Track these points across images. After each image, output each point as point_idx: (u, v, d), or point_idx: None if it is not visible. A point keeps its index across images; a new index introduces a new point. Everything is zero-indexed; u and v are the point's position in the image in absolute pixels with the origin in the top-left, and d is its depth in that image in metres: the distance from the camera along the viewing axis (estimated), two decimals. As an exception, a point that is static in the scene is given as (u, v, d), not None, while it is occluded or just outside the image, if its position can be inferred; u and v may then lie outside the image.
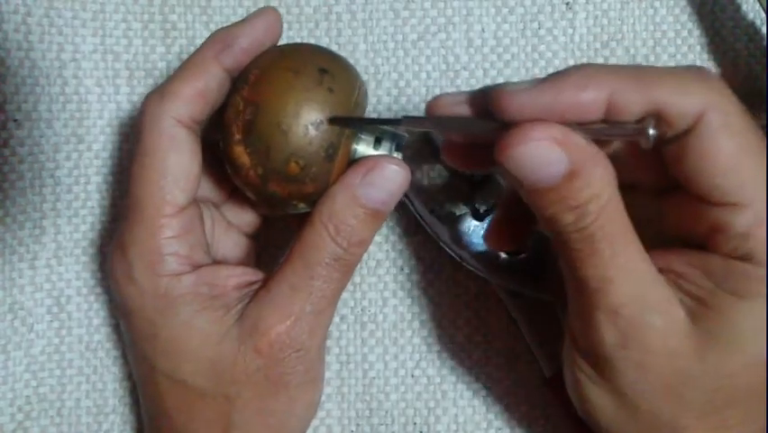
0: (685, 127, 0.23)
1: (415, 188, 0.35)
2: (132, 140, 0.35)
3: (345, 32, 0.36)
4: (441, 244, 0.34)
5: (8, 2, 0.34)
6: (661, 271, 0.24)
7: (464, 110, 0.26)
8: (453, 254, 0.34)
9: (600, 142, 0.24)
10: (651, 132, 0.22)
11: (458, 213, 0.34)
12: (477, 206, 0.34)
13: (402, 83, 0.36)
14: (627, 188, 0.24)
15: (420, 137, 0.35)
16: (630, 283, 0.23)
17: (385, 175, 0.28)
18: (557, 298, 0.34)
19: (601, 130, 0.23)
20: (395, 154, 0.29)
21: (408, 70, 0.36)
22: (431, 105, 0.26)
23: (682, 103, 0.23)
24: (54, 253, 0.35)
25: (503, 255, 0.34)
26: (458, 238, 0.34)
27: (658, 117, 0.23)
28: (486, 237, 0.31)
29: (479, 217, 0.34)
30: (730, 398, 0.24)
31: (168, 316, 0.28)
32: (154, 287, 0.28)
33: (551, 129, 0.23)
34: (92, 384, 0.35)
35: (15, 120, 0.34)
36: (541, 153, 0.23)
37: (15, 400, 0.34)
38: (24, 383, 0.34)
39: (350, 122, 0.28)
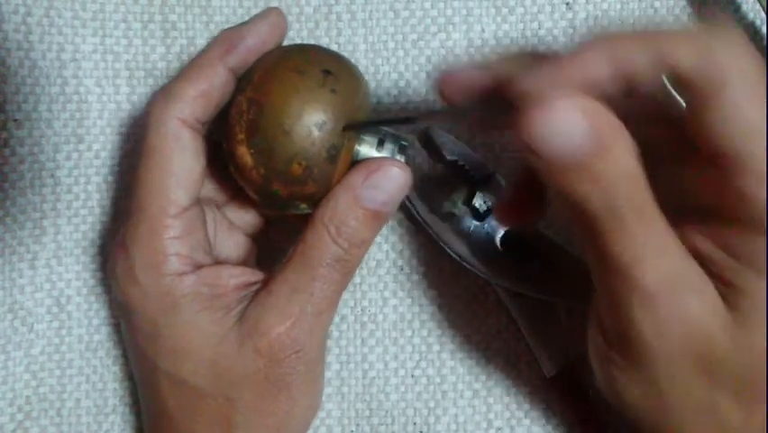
0: (707, 92, 0.22)
1: (415, 188, 0.35)
2: (131, 140, 0.35)
3: (345, 32, 0.36)
4: (441, 244, 0.34)
5: (8, 2, 0.34)
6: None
7: (476, 86, 0.25)
8: (453, 254, 0.34)
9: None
10: (676, 97, 0.21)
11: (458, 213, 0.34)
12: (477, 206, 0.34)
13: (402, 83, 0.36)
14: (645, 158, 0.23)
15: (420, 137, 0.35)
16: (665, 263, 0.22)
17: (387, 177, 0.28)
18: (558, 298, 0.34)
19: (626, 100, 0.22)
20: (397, 156, 0.29)
21: (408, 70, 0.36)
22: (445, 81, 0.25)
23: (707, 66, 0.21)
24: (54, 253, 0.35)
25: (503, 254, 0.34)
26: (458, 238, 0.34)
27: (677, 82, 0.22)
28: (497, 211, 0.29)
29: (479, 217, 0.34)
30: (763, 373, 0.23)
31: (169, 316, 0.28)
32: (156, 287, 0.28)
33: (579, 99, 0.21)
34: (92, 384, 0.35)
35: (15, 120, 0.34)
36: (568, 124, 0.21)
37: (15, 400, 0.34)
38: (24, 383, 0.34)
39: (365, 126, 0.28)
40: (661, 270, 0.22)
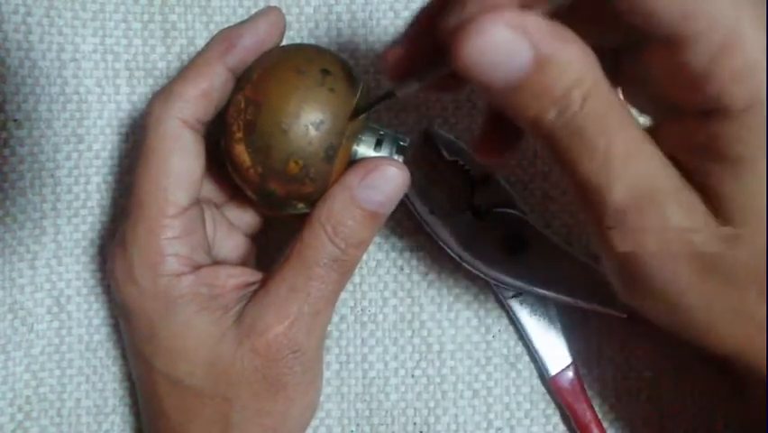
0: None
1: (415, 188, 0.35)
2: (131, 140, 0.35)
3: (345, 32, 0.36)
4: (441, 244, 0.34)
5: (8, 2, 0.34)
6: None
7: (412, 52, 0.24)
8: (453, 254, 0.34)
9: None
10: None
11: (458, 213, 0.34)
12: (477, 206, 0.34)
13: (402, 83, 0.36)
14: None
15: (420, 137, 0.35)
16: (635, 174, 0.20)
17: (384, 177, 0.28)
18: (558, 298, 0.34)
19: None
20: (395, 157, 0.29)
21: (408, 70, 0.36)
22: (386, 63, 0.25)
23: None
24: (54, 253, 0.35)
25: (503, 254, 0.34)
26: (458, 238, 0.34)
27: None
28: (475, 149, 0.28)
29: (479, 217, 0.34)
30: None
31: (167, 316, 0.28)
32: (155, 287, 0.28)
33: (503, 15, 0.19)
34: (92, 384, 0.35)
35: (15, 120, 0.34)
36: (499, 44, 0.19)
37: (15, 400, 0.34)
38: (24, 383, 0.34)
39: (363, 110, 0.27)
40: (630, 181, 0.20)
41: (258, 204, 0.32)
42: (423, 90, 0.26)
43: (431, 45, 0.23)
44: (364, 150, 0.29)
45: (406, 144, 0.29)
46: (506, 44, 0.20)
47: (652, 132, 0.22)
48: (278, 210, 0.30)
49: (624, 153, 0.20)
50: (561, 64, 0.20)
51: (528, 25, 0.20)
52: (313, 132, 0.26)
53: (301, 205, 0.29)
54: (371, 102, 0.28)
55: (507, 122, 0.24)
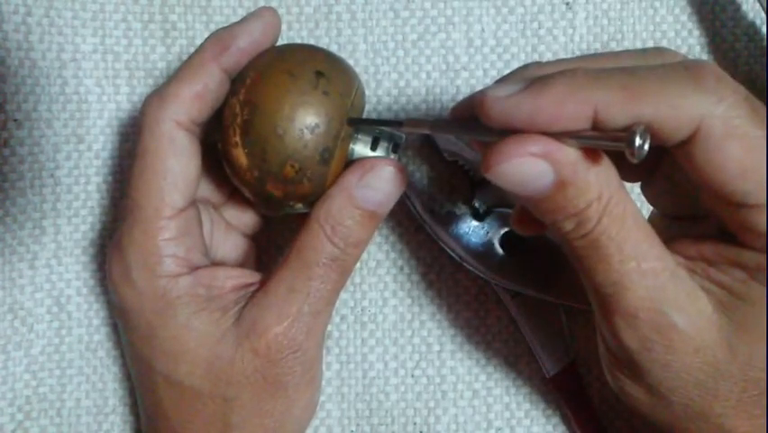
0: (683, 138, 0.22)
1: (415, 188, 0.35)
2: (131, 140, 0.35)
3: (345, 32, 0.36)
4: (441, 244, 0.34)
5: (8, 2, 0.34)
6: (691, 258, 0.24)
7: (467, 113, 0.25)
8: (453, 254, 0.34)
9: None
10: (638, 143, 0.20)
11: (458, 213, 0.34)
12: (477, 206, 0.34)
13: (402, 83, 0.36)
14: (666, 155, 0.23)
15: (420, 137, 0.35)
16: (645, 285, 0.23)
17: (381, 177, 0.28)
18: (558, 298, 0.34)
19: (587, 139, 0.22)
20: (392, 155, 0.29)
21: (408, 70, 0.36)
22: (453, 110, 0.27)
23: (675, 117, 0.21)
24: (54, 253, 0.35)
25: (503, 254, 0.34)
26: (458, 238, 0.34)
27: (647, 129, 0.21)
28: (513, 222, 0.30)
29: (479, 217, 0.34)
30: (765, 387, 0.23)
31: (165, 317, 0.28)
32: (152, 288, 0.28)
33: (531, 143, 0.22)
34: (92, 384, 0.35)
35: (15, 120, 0.34)
36: (524, 170, 0.22)
37: (15, 400, 0.34)
38: (24, 383, 0.34)
39: (354, 122, 0.28)
40: (641, 294, 0.23)
41: (257, 205, 0.32)
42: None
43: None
44: (361, 149, 0.29)
45: (402, 142, 0.29)
46: (530, 170, 0.22)
47: (666, 226, 0.24)
48: (277, 211, 0.30)
49: (636, 268, 0.23)
50: (580, 187, 0.22)
51: (553, 154, 0.22)
52: (308, 135, 0.27)
53: (299, 205, 0.29)
54: (376, 120, 0.28)
55: None
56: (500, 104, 0.22)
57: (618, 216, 0.22)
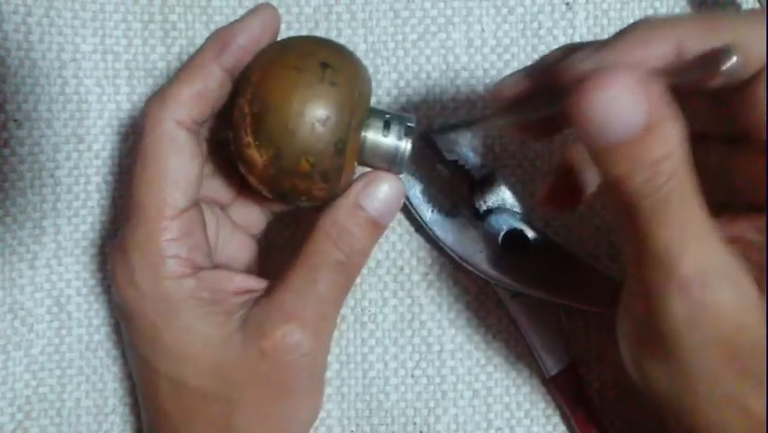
0: (754, 71, 0.21)
1: (415, 188, 0.35)
2: (131, 139, 0.35)
3: (345, 32, 0.36)
4: (441, 244, 0.34)
5: (8, 2, 0.34)
6: (729, 239, 0.23)
7: (525, 88, 0.25)
8: (453, 254, 0.34)
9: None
10: (731, 60, 0.19)
11: (458, 213, 0.34)
12: (477, 206, 0.34)
13: (402, 83, 0.36)
14: (694, 141, 0.22)
15: (420, 137, 0.35)
16: (703, 253, 0.22)
17: (384, 188, 0.29)
18: (558, 298, 0.34)
19: (677, 74, 0.21)
20: (404, 138, 0.29)
21: (408, 70, 0.36)
22: (495, 95, 0.26)
23: (755, 44, 0.21)
24: (54, 252, 0.35)
25: (503, 254, 0.34)
26: (458, 238, 0.34)
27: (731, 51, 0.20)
28: (542, 199, 0.30)
29: (479, 217, 0.34)
30: None
31: (169, 319, 0.28)
32: (155, 290, 0.28)
33: (632, 74, 0.21)
34: (92, 384, 0.35)
35: (15, 120, 0.34)
36: (619, 102, 0.21)
37: (15, 400, 0.34)
38: (24, 383, 0.34)
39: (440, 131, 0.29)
40: (698, 258, 0.22)
41: (275, 200, 0.32)
42: (518, 131, 0.28)
43: (543, 84, 0.24)
44: (373, 135, 0.29)
45: (413, 125, 0.29)
46: (626, 104, 0.21)
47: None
48: (293, 204, 0.30)
49: (696, 231, 0.22)
50: (663, 135, 0.21)
51: (650, 90, 0.21)
52: (320, 128, 0.26)
53: (319, 196, 0.29)
54: (454, 125, 0.29)
55: (572, 180, 0.27)
56: (583, 63, 0.22)
57: (687, 176, 0.22)
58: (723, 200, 0.25)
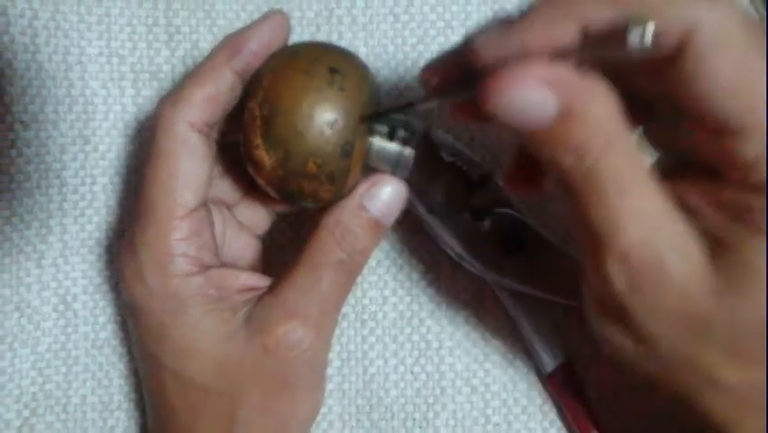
0: (672, 45, 0.21)
1: (414, 188, 0.35)
2: (137, 141, 0.36)
3: (346, 36, 0.37)
4: (440, 243, 0.35)
5: (15, 5, 0.34)
6: (685, 203, 0.23)
7: (449, 71, 0.25)
8: (452, 254, 0.35)
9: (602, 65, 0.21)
10: (634, 31, 0.18)
11: (456, 213, 0.35)
12: (475, 206, 0.35)
13: (402, 86, 0.37)
14: (643, 107, 0.22)
15: (419, 138, 0.36)
16: (641, 225, 0.22)
17: (386, 190, 0.30)
18: (555, 296, 0.35)
19: (584, 53, 0.20)
20: (408, 144, 0.30)
21: (408, 73, 0.37)
22: (424, 77, 0.26)
23: (664, 17, 0.20)
24: (61, 252, 0.35)
25: (501, 254, 0.35)
26: (457, 238, 0.34)
27: (642, 17, 0.19)
28: (505, 182, 0.30)
29: (478, 217, 0.35)
30: (757, 335, 0.22)
31: (177, 316, 0.29)
32: (164, 287, 0.29)
33: (533, 68, 0.21)
34: (98, 381, 0.35)
35: (22, 122, 0.34)
36: (526, 96, 0.21)
37: (22, 397, 0.35)
38: (31, 380, 0.35)
39: (377, 116, 0.29)
40: (636, 234, 0.22)
41: (283, 201, 0.33)
42: (451, 113, 0.28)
43: (464, 67, 0.24)
44: (379, 140, 0.30)
45: (417, 130, 0.30)
46: (533, 97, 0.21)
47: (668, 171, 0.23)
48: (299, 204, 0.31)
49: (633, 207, 0.22)
50: (583, 117, 0.21)
51: (556, 78, 0.21)
52: (328, 131, 0.27)
53: (325, 198, 0.29)
54: (388, 109, 0.29)
55: (534, 165, 0.26)
56: (489, 49, 0.21)
57: (619, 150, 0.21)
58: (670, 163, 0.25)
